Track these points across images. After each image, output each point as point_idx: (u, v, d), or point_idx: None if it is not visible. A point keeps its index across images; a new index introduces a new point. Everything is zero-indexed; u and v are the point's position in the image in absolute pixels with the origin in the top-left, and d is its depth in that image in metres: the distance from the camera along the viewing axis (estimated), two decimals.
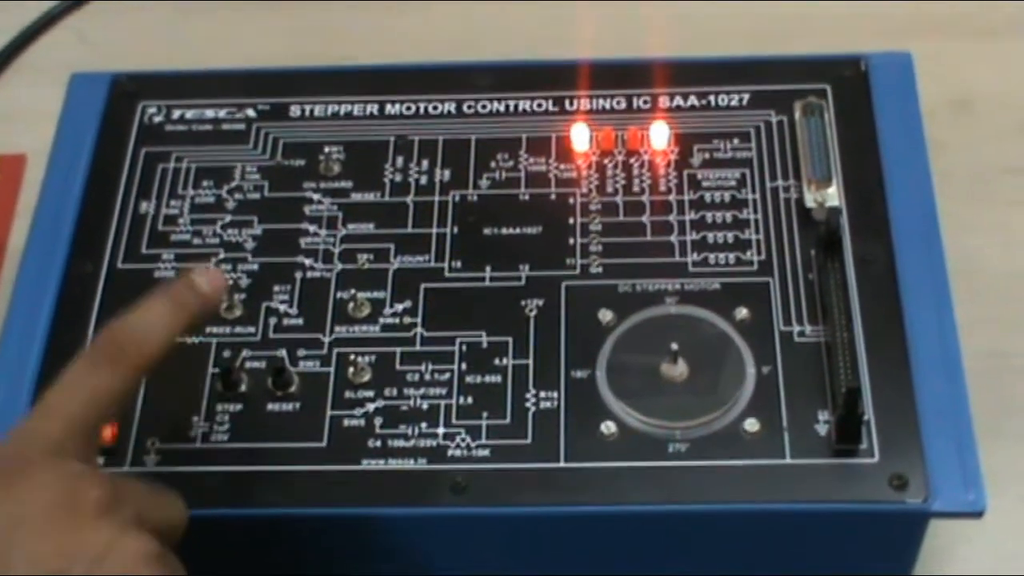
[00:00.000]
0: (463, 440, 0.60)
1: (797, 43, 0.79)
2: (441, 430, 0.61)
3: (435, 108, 0.71)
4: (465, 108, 0.71)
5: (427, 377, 0.62)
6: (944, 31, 0.82)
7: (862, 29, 0.82)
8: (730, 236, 0.66)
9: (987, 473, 0.59)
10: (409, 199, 0.68)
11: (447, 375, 0.62)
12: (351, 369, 0.62)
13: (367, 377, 0.62)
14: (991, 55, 0.81)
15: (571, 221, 0.67)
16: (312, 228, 0.67)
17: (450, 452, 0.60)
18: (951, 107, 0.79)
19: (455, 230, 0.67)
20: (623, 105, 0.70)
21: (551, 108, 0.70)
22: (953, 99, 0.79)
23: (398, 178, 0.68)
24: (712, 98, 0.70)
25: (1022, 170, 0.77)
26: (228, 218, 0.68)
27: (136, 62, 0.80)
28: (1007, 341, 0.71)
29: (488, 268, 0.65)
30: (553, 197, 0.68)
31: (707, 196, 0.67)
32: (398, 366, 0.63)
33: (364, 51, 0.81)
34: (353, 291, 0.64)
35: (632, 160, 0.68)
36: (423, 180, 0.68)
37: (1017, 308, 0.72)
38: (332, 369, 0.63)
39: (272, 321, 0.64)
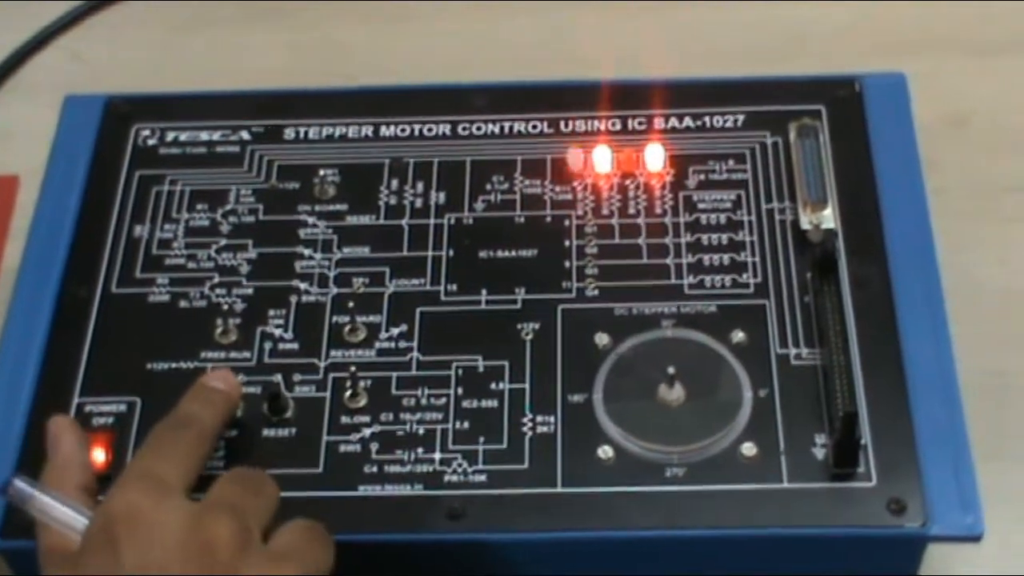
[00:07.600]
0: (460, 465, 0.60)
1: (793, 62, 0.79)
2: (437, 455, 0.61)
3: (430, 130, 0.71)
4: (460, 130, 0.71)
5: (423, 402, 0.62)
6: (940, 48, 0.81)
7: (857, 47, 0.81)
8: (726, 258, 0.66)
9: (984, 494, 0.59)
10: (404, 222, 0.68)
11: (443, 399, 0.62)
12: (347, 394, 0.62)
13: (363, 402, 0.62)
14: (987, 72, 0.81)
15: (567, 243, 0.66)
16: (307, 252, 0.67)
17: (447, 477, 0.60)
18: (947, 124, 0.78)
19: (451, 253, 0.66)
20: (618, 126, 0.70)
21: (546, 129, 0.70)
22: (949, 116, 0.79)
23: (393, 201, 0.68)
24: (707, 119, 0.70)
25: (1018, 187, 0.76)
26: (223, 241, 0.67)
27: (131, 81, 0.80)
28: (1004, 360, 0.70)
29: (484, 291, 0.65)
30: (549, 219, 0.67)
31: (703, 218, 0.67)
32: (394, 391, 0.62)
33: (360, 70, 0.81)
34: (348, 315, 0.64)
35: (627, 182, 0.68)
36: (418, 203, 0.68)
37: (1014, 326, 0.72)
38: (328, 394, 0.62)
39: (267, 346, 0.64)
